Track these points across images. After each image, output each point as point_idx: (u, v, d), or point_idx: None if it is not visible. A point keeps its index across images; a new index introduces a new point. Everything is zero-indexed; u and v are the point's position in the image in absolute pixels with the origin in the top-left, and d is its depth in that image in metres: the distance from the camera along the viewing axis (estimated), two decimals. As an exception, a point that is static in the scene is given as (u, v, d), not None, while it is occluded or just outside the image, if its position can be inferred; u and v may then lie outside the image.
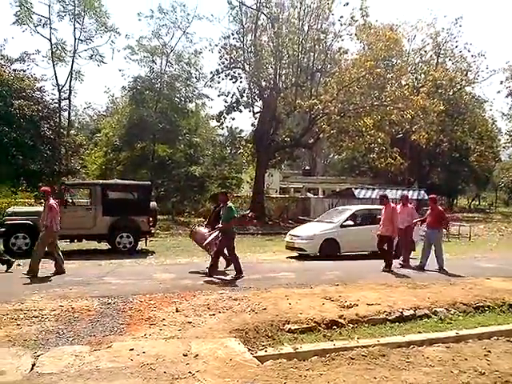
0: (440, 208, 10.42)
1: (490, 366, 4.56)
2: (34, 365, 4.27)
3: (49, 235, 8.66)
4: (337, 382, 4.12)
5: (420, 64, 37.79)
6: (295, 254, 12.84)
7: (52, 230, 8.62)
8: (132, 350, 4.69)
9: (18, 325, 5.46)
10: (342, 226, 12.64)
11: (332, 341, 5.61)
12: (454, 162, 42.66)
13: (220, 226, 8.81)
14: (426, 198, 27.73)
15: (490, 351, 4.99)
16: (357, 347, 5.20)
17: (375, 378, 4.23)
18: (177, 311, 6.17)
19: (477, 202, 58.99)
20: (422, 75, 35.62)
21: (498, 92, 59.31)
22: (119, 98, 38.42)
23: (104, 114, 45.67)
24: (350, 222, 12.81)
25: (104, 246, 13.38)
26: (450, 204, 48.83)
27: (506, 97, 35.00)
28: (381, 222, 10.07)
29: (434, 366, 4.56)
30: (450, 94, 36.42)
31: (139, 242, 13.19)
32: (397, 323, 6.35)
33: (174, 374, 4.14)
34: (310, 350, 5.26)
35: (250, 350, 5.07)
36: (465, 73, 37.24)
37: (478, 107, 41.66)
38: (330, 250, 12.24)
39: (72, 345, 4.86)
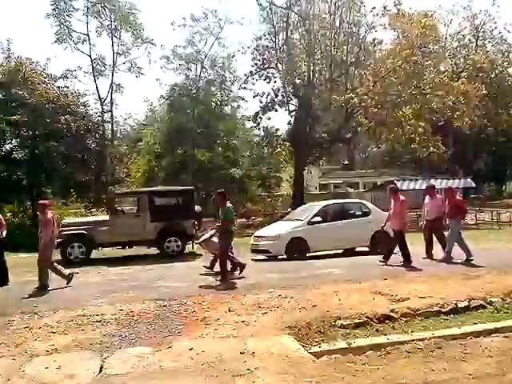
0: (458, 198, 10.10)
1: (552, 355, 4.45)
2: (101, 367, 4.55)
3: (46, 248, 8.18)
4: (395, 375, 4.15)
5: (458, 48, 36.57)
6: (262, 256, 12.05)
7: (49, 244, 8.17)
8: (191, 349, 4.90)
9: (82, 330, 5.79)
10: (309, 223, 11.74)
11: (385, 335, 5.61)
12: (500, 146, 40.89)
13: (218, 225, 8.93)
14: (474, 185, 26.87)
15: (551, 340, 4.86)
16: (412, 341, 5.18)
17: (433, 370, 4.23)
18: (229, 311, 6.35)
19: (528, 187, 56.15)
20: (462, 60, 34.43)
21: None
22: (158, 107, 39.54)
23: (144, 123, 47.00)
24: (319, 219, 11.87)
25: (154, 251, 13.85)
26: (499, 190, 46.86)
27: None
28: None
29: (492, 356, 4.50)
30: (492, 76, 35.01)
31: (186, 246, 13.56)
32: (451, 315, 6.24)
33: (233, 371, 4.31)
34: (364, 345, 5.29)
35: (303, 346, 5.17)
36: (506, 54, 35.68)
37: (523, 88, 39.66)
38: (297, 249, 11.45)
39: (135, 346, 5.13)
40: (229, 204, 8.95)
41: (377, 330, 5.78)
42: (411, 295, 6.77)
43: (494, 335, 5.23)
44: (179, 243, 13.25)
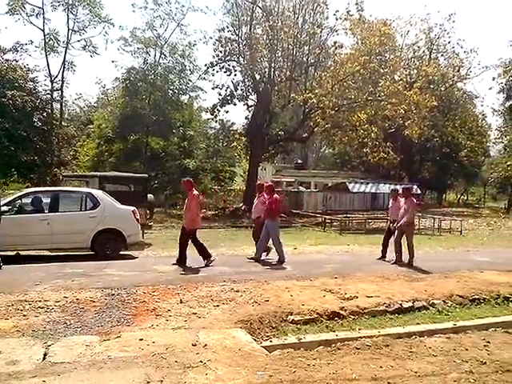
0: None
1: (491, 355, 4.72)
2: (45, 354, 4.32)
3: None
4: (344, 371, 4.24)
5: (413, 59, 38.01)
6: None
7: None
8: (141, 339, 4.76)
9: (24, 315, 5.48)
10: None
11: (334, 331, 5.74)
12: (444, 157, 43.10)
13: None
14: (419, 192, 28.16)
15: (489, 342, 5.15)
16: (360, 338, 5.33)
17: (381, 367, 4.36)
18: (181, 302, 6.24)
19: (465, 197, 59.66)
20: (415, 70, 35.82)
21: (490, 88, 59.96)
22: (111, 90, 38.20)
23: (95, 105, 45.30)
24: (6, 208, 9.32)
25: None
26: (439, 199, 49.40)
27: (498, 93, 35.45)
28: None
29: (436, 355, 4.71)
30: (442, 89, 36.74)
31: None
32: (396, 315, 6.49)
33: (185, 363, 4.23)
34: (313, 341, 5.39)
35: (255, 340, 5.18)
36: (457, 69, 37.52)
37: (469, 103, 42.07)
38: None
39: (81, 335, 4.92)
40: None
41: (326, 327, 5.90)
42: (359, 294, 6.97)
43: (436, 335, 5.48)
44: (128, 232, 12.85)
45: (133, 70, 30.17)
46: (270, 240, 9.76)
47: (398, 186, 11.57)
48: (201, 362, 4.26)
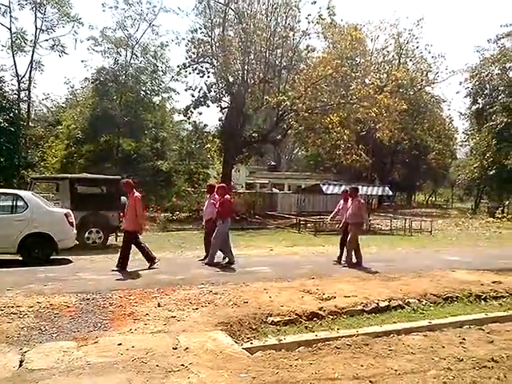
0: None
1: (467, 352, 4.85)
2: (21, 361, 4.16)
3: None
4: (326, 371, 4.27)
5: (383, 64, 38.91)
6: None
7: None
8: (120, 344, 4.66)
9: (-5, 322, 5.28)
10: None
11: (314, 332, 5.77)
12: (413, 159, 44.31)
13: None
14: (390, 193, 28.77)
15: (464, 339, 5.30)
16: (339, 337, 5.38)
17: (362, 365, 4.41)
18: (159, 306, 6.15)
19: (434, 198, 61.37)
20: (385, 75, 36.62)
21: (457, 92, 61.94)
22: (80, 90, 37.38)
23: (63, 105, 44.17)
24: None
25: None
26: (409, 200, 50.63)
27: (465, 97, 36.67)
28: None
29: (415, 353, 4.81)
30: (411, 93, 37.71)
31: (109, 238, 12.96)
32: (373, 314, 6.58)
33: (166, 367, 4.16)
34: (294, 341, 5.40)
35: (236, 342, 5.15)
36: (425, 73, 38.63)
37: (436, 107, 43.35)
38: None
39: (57, 341, 4.77)
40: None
41: (306, 327, 5.93)
42: (337, 294, 7.04)
43: (413, 334, 5.59)
44: (101, 235, 12.62)
45: (103, 70, 29.60)
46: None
47: (348, 187, 11.55)
48: (182, 365, 4.20)
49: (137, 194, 8.68)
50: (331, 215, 11.44)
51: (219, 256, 9.51)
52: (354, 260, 9.83)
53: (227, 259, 9.54)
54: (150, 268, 8.79)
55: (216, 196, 9.62)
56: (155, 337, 4.99)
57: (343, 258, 10.01)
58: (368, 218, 10.63)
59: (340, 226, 10.13)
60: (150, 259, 8.93)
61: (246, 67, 25.97)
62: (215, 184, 10.16)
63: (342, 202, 10.47)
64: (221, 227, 9.26)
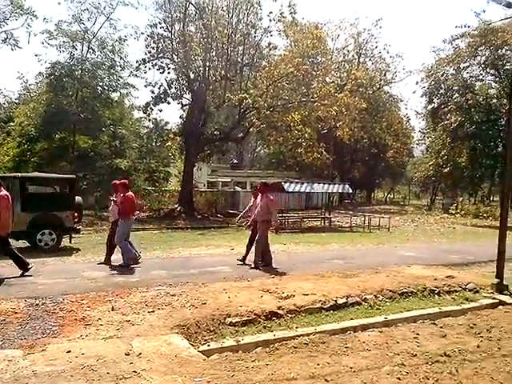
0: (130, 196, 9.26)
1: (420, 347, 4.94)
2: (-39, 373, 3.89)
3: None
4: (283, 371, 4.23)
5: (343, 63, 39.53)
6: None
7: None
8: (69, 351, 4.44)
9: None
10: None
11: (272, 331, 5.73)
12: (372, 157, 45.38)
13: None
14: (351, 191, 29.29)
15: (418, 334, 5.41)
16: (297, 336, 5.37)
17: (318, 364, 4.40)
18: (113, 310, 5.94)
19: (392, 195, 63.10)
20: (345, 74, 37.25)
21: (414, 92, 63.72)
22: (34, 85, 35.79)
23: (16, 101, 42.26)
24: None
25: (22, 244, 12.42)
26: (368, 197, 51.83)
27: (421, 96, 37.64)
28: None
29: (370, 349, 4.85)
30: (370, 92, 38.48)
31: (63, 239, 12.46)
32: (331, 311, 6.63)
33: (117, 374, 3.99)
34: (251, 342, 5.36)
35: (193, 345, 5.03)
36: (383, 73, 39.54)
37: (394, 106, 44.51)
38: None
39: (2, 349, 4.51)
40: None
41: (264, 327, 5.88)
42: (296, 293, 7.04)
43: (369, 330, 5.66)
44: (54, 236, 12.07)
45: (58, 64, 28.41)
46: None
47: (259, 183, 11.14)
48: (134, 372, 4.05)
49: (3, 192, 7.90)
50: (241, 214, 11.26)
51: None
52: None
53: (124, 260, 9.07)
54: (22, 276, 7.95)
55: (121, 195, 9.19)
56: (107, 343, 4.80)
57: (251, 259, 9.52)
58: (277, 215, 10.12)
59: (248, 223, 9.99)
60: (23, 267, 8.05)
61: (207, 64, 25.65)
62: (117, 181, 9.59)
63: (253, 199, 10.10)
64: (122, 226, 8.96)
